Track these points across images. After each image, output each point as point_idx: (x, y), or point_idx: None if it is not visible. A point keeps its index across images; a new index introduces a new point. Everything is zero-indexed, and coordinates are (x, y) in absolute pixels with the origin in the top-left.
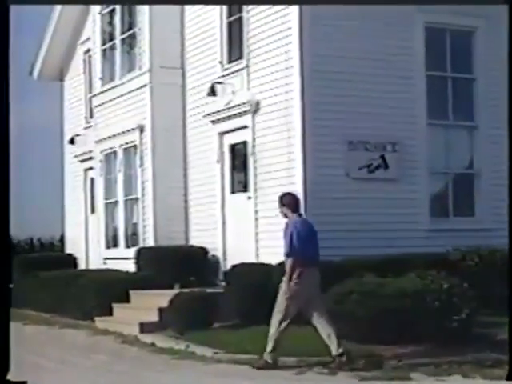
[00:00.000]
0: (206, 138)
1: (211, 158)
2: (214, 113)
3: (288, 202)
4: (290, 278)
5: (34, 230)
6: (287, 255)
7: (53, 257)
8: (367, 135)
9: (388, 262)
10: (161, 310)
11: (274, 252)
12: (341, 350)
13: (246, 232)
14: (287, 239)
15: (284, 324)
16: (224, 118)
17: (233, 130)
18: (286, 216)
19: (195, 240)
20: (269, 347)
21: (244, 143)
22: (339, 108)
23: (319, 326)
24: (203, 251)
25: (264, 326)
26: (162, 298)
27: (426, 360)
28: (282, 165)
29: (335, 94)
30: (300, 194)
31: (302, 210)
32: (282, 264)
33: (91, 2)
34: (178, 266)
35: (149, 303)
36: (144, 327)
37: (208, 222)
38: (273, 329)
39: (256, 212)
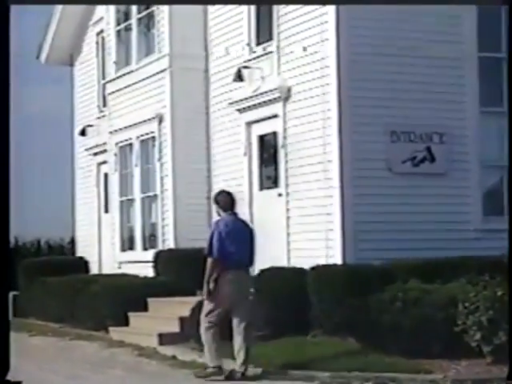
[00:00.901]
0: (232, 129)
1: (238, 150)
2: (240, 100)
3: (220, 200)
4: (208, 280)
5: (41, 231)
6: (206, 255)
7: (62, 260)
8: (412, 125)
9: (435, 266)
10: (182, 320)
11: (307, 255)
12: (241, 370)
13: (277, 233)
14: (208, 238)
15: (212, 332)
16: (252, 106)
17: (262, 120)
18: (219, 215)
19: None
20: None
21: (274, 134)
22: (380, 94)
23: (235, 335)
24: None
25: (297, 336)
26: (184, 306)
27: (475, 376)
28: (316, 158)
29: (376, 79)
30: (336, 190)
31: (236, 209)
32: (316, 268)
33: (92, 2)
34: (201, 270)
35: (169, 312)
36: (163, 338)
37: None
38: (239, 344)
39: (287, 211)
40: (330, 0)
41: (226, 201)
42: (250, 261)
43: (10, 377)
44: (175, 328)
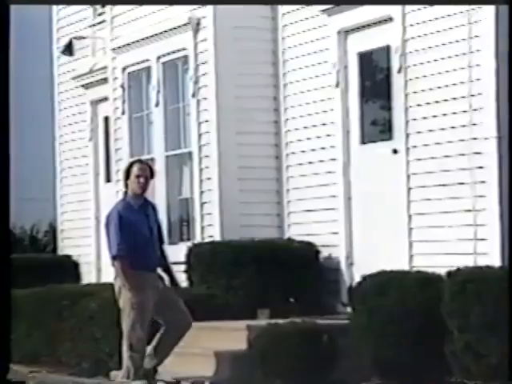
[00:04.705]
0: (317, 42)
1: (324, 78)
2: None
3: (123, 173)
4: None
5: None
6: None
7: (36, 261)
8: None
9: None
10: (234, 357)
11: (441, 251)
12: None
13: (390, 214)
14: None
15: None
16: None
17: (364, 27)
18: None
19: (295, 229)
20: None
21: (385, 50)
22: None
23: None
24: (311, 250)
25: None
26: (236, 334)
27: None
28: (456, 90)
29: None
30: (491, 144)
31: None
32: (457, 273)
33: (92, 2)
34: (263, 276)
35: (211, 344)
36: None
37: (318, 196)
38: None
39: (408, 178)
40: (333, 1)
41: (127, 175)
42: (153, 262)
43: None
44: (223, 370)
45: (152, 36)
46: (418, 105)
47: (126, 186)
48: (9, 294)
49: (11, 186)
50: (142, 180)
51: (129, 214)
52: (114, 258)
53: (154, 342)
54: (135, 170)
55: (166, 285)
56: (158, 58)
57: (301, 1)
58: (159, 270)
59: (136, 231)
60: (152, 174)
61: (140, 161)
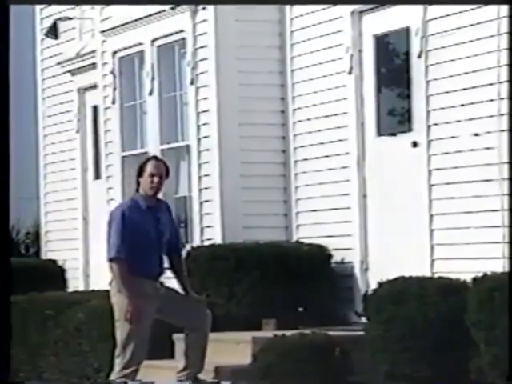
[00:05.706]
0: (325, 24)
1: (338, 63)
2: None
3: (137, 170)
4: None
5: None
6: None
7: (17, 266)
8: None
9: None
10: (237, 372)
11: (466, 255)
12: None
13: (409, 214)
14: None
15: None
16: None
17: (379, 7)
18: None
19: (304, 231)
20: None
21: (405, 32)
22: None
23: None
24: (322, 253)
25: None
26: (239, 348)
27: None
28: (483, 75)
29: None
30: None
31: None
32: (484, 280)
33: (92, 2)
34: (269, 283)
35: (211, 358)
36: None
37: (330, 194)
38: None
39: (430, 173)
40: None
41: (140, 173)
42: (155, 269)
43: None
44: None
45: (146, 17)
46: (442, 92)
47: (138, 183)
48: (9, 294)
49: None
50: (155, 179)
51: (134, 214)
52: (111, 260)
53: (183, 353)
54: (149, 167)
55: (175, 290)
56: (153, 41)
57: (303, 1)
58: (175, 279)
59: (140, 234)
60: (167, 173)
61: (155, 157)
